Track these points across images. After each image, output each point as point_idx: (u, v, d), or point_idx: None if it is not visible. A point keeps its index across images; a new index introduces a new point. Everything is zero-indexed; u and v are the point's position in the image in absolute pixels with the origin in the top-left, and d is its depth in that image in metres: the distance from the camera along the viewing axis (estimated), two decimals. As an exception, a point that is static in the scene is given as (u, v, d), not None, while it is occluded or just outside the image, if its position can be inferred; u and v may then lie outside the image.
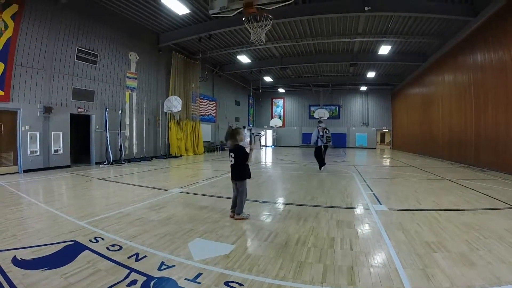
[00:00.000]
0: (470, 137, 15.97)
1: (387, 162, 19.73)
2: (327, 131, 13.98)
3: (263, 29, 11.76)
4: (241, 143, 5.75)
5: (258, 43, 12.00)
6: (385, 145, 46.35)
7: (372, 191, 8.73)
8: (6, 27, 11.44)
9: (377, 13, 15.79)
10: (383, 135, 49.83)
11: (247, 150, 5.72)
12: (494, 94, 13.72)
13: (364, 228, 5.21)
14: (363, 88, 36.42)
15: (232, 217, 5.74)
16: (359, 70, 30.41)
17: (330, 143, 14.29)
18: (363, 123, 38.13)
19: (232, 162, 5.70)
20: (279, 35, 20.30)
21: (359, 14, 15.67)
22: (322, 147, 13.74)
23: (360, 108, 38.36)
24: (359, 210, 6.56)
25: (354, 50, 23.81)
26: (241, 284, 3.19)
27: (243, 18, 11.49)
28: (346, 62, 25.38)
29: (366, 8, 14.80)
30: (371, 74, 30.79)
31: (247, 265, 3.69)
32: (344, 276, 3.38)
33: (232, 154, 5.67)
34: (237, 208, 5.70)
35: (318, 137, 13.70)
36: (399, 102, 33.76)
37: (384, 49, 21.82)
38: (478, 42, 15.06)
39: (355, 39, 19.99)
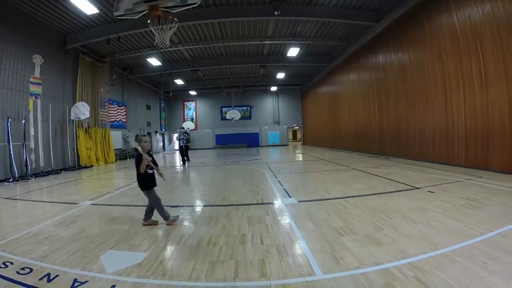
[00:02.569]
0: (374, 130, 17.94)
1: (298, 157, 20.84)
2: (186, 135, 18.45)
3: (168, 32, 11.79)
4: (144, 151, 5.62)
5: (162, 46, 12.08)
6: (297, 141, 48.66)
7: (282, 185, 9.29)
8: None
9: (286, 18, 16.75)
10: (294, 132, 52.18)
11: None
12: (395, 91, 15.69)
13: (275, 222, 5.59)
14: (274, 88, 37.97)
15: (144, 224, 5.86)
16: (269, 71, 31.53)
17: (189, 144, 18.79)
18: (274, 121, 39.73)
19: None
20: (189, 37, 20.45)
21: (269, 18, 16.51)
22: (184, 146, 18.19)
23: (271, 107, 39.93)
24: (269, 205, 6.95)
25: (264, 52, 24.81)
26: None
27: (148, 21, 11.48)
28: (257, 64, 26.29)
29: (275, 13, 15.66)
30: (281, 75, 32.23)
31: (160, 271, 3.81)
32: (256, 270, 3.67)
33: None
34: (151, 215, 5.88)
35: (180, 139, 18.20)
36: (308, 100, 35.92)
37: (293, 51, 23.12)
38: (380, 45, 16.85)
39: (265, 42, 20.84)
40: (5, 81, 14.63)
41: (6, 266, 4.35)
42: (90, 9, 15.12)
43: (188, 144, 18.78)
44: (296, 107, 40.08)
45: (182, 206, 7.54)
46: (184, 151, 18.43)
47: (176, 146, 37.61)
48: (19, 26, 15.40)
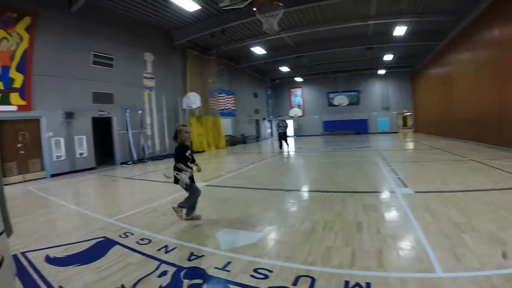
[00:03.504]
0: (494, 116, 15.40)
1: (410, 145, 19.38)
2: (284, 122, 19.50)
3: (274, 17, 11.65)
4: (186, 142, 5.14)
5: (271, 32, 11.90)
6: (407, 128, 45.26)
7: (397, 174, 8.58)
8: (21, 39, 11.60)
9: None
10: (405, 119, 48.68)
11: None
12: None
13: (391, 212, 5.15)
14: (382, 72, 35.34)
15: (186, 219, 5.16)
16: (376, 53, 29.63)
17: (287, 130, 19.67)
18: (383, 107, 37.17)
19: None
20: (291, 24, 20.02)
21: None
22: (281, 133, 19.14)
23: (380, 92, 37.39)
24: (384, 194, 6.46)
25: (369, 33, 23.25)
26: (270, 271, 3.19)
27: (254, 9, 11.37)
28: (362, 46, 24.85)
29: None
30: (388, 57, 29.95)
31: (275, 252, 3.69)
32: (373, 259, 3.33)
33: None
34: (192, 211, 5.23)
35: (278, 127, 19.39)
36: (419, 84, 32.85)
37: (399, 30, 21.18)
38: (497, 16, 14.45)
39: (369, 22, 19.57)
40: (122, 78, 16.19)
41: (127, 236, 4.56)
42: (193, 6, 15.39)
43: (286, 131, 19.56)
44: (406, 91, 36.58)
45: (297, 191, 7.32)
46: (282, 137, 19.22)
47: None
48: (131, 29, 16.79)
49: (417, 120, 35.12)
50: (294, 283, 2.90)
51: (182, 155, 4.93)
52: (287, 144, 19.74)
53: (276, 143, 21.13)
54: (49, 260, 3.85)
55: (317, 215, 5.09)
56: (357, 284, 2.83)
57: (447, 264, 3.15)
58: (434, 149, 14.89)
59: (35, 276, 3.42)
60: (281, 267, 3.25)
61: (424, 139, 22.73)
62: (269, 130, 38.97)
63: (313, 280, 2.95)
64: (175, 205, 5.09)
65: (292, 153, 17.87)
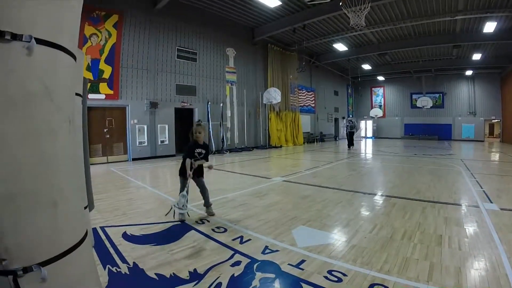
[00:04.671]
0: None
1: (497, 156, 17.65)
2: (351, 122, 21.45)
3: (362, 12, 11.27)
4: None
5: (358, 27, 11.50)
6: (493, 137, 41.26)
7: (481, 187, 7.81)
8: (110, 35, 12.61)
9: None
10: (491, 126, 44.40)
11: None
12: None
13: (473, 228, 4.70)
14: (469, 73, 32.24)
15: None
16: (463, 52, 27.41)
17: (354, 129, 21.61)
18: (470, 112, 34.02)
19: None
20: (375, 20, 19.16)
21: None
22: (348, 133, 20.96)
23: (466, 95, 34.18)
24: (467, 207, 5.93)
25: (457, 30, 21.49)
26: (344, 274, 3.08)
27: (340, 3, 11.05)
28: (448, 43, 23.12)
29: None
30: (476, 56, 27.33)
31: (351, 255, 3.57)
32: (451, 277, 3.08)
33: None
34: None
35: (346, 126, 21.31)
36: (510, 88, 29.52)
37: (489, 27, 19.36)
38: None
39: (457, 17, 18.08)
40: (205, 71, 16.97)
41: (203, 223, 4.64)
42: (273, 2, 15.54)
43: (353, 131, 21.42)
44: (495, 95, 32.74)
45: (376, 195, 6.99)
46: (349, 137, 21.24)
47: (363, 134, 37.38)
48: (214, 25, 17.35)
49: (505, 129, 31.55)
50: (367, 291, 2.75)
51: (190, 152, 4.93)
52: (352, 144, 21.32)
53: (355, 143, 21.21)
54: (126, 236, 4.02)
55: (396, 223, 4.83)
56: (433, 300, 2.60)
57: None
58: (525, 163, 13.38)
59: (111, 250, 3.59)
60: (356, 272, 3.13)
61: (512, 150, 20.58)
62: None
63: (387, 290, 2.77)
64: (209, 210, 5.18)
65: (371, 155, 17.29)
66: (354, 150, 18.13)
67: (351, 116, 22.89)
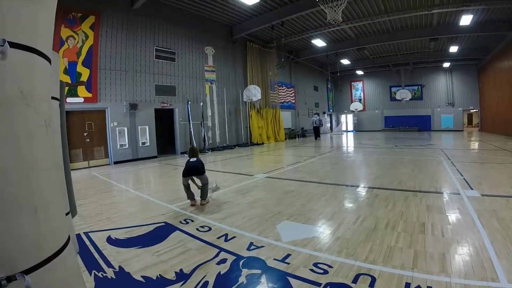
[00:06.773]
0: None
1: (476, 145, 18.07)
2: (317, 118, 25.73)
3: (339, 8, 11.38)
4: None
5: (335, 22, 11.60)
6: (472, 127, 42.32)
7: (462, 175, 8.00)
8: (87, 37, 12.37)
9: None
10: (470, 116, 45.47)
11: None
12: None
13: (455, 214, 4.81)
14: (446, 65, 32.99)
15: (198, 204, 5.68)
16: (440, 45, 27.93)
17: (319, 124, 25.63)
18: (448, 103, 34.84)
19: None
20: (352, 15, 19.32)
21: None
22: (314, 127, 25.11)
23: (444, 86, 34.97)
24: (449, 195, 6.06)
25: (434, 24, 21.87)
26: (330, 266, 3.13)
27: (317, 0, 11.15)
28: (426, 37, 23.54)
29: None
30: (453, 48, 27.90)
31: (336, 247, 3.63)
32: (436, 263, 3.15)
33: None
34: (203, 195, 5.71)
35: (313, 121, 25.30)
36: (487, 79, 30.25)
37: (466, 20, 19.79)
38: None
39: (433, 11, 18.41)
40: (184, 71, 16.84)
41: (187, 223, 4.63)
42: (252, 0, 15.50)
43: (317, 125, 25.39)
44: (473, 86, 33.67)
45: (359, 187, 7.07)
46: (315, 131, 25.37)
47: (344, 127, 38.42)
48: (192, 24, 17.25)
49: (484, 118, 32.39)
50: (354, 281, 2.82)
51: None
52: (319, 137, 25.20)
53: (336, 137, 21.35)
54: (111, 241, 4.00)
55: (380, 213, 4.90)
56: (418, 287, 2.70)
57: (512, 275, 2.91)
58: (503, 151, 13.72)
59: (96, 255, 3.57)
60: (341, 263, 3.19)
61: (492, 139, 21.06)
62: (328, 124, 38.28)
63: (373, 279, 2.85)
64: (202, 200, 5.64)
65: (352, 148, 17.46)
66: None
67: (317, 116, 25.75)
